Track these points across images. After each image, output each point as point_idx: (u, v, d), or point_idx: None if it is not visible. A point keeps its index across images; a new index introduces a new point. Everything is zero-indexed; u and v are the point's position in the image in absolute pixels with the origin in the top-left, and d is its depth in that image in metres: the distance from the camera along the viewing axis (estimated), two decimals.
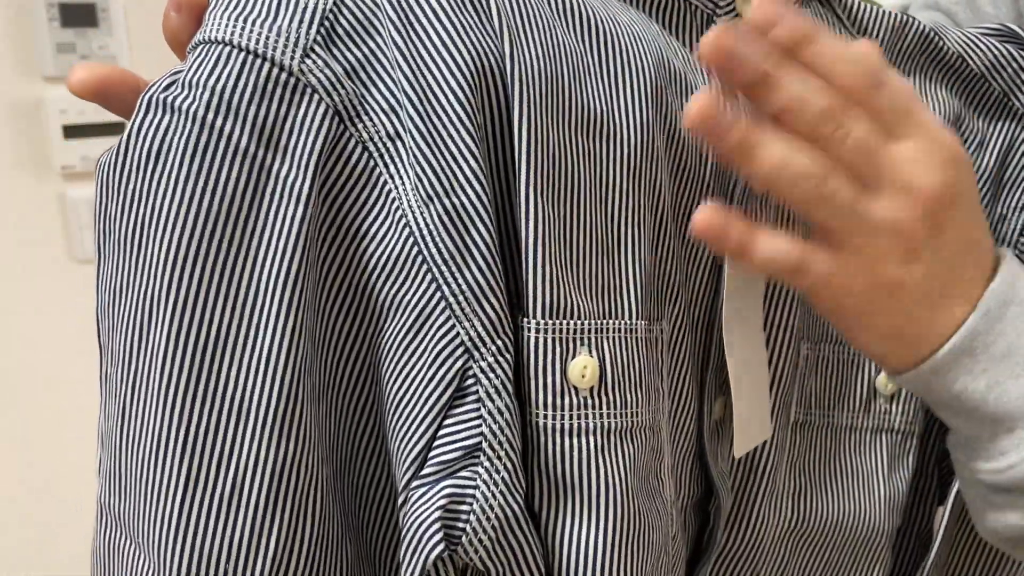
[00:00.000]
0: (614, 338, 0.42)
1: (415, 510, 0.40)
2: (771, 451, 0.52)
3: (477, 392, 0.39)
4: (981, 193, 0.55)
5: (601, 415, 0.41)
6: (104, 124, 1.67)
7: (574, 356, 0.41)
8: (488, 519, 0.39)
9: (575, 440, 0.41)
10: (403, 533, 0.40)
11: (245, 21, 0.38)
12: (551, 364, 0.41)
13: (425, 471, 0.40)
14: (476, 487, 0.39)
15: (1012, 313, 0.44)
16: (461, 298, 0.39)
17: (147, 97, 0.39)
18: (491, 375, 0.39)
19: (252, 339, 0.38)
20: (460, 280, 0.39)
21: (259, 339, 0.38)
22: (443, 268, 0.39)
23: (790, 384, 0.52)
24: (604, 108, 0.43)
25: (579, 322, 0.41)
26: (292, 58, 0.38)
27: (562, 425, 0.41)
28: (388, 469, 0.43)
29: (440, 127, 0.39)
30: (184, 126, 0.38)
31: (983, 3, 0.81)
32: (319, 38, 0.39)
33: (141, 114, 0.39)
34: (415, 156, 0.39)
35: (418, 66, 0.39)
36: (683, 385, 0.48)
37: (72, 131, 1.64)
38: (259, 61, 0.38)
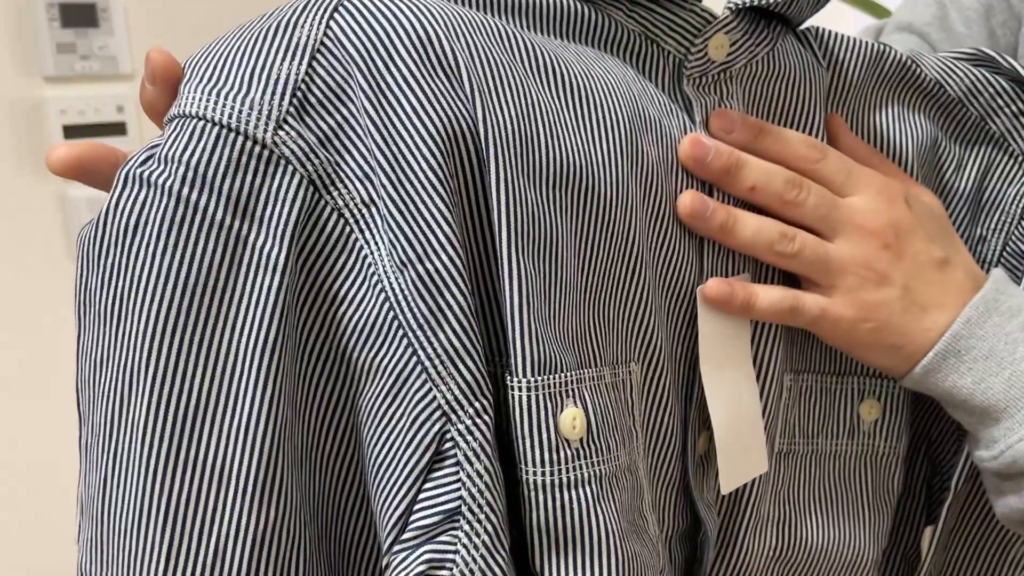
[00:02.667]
0: (591, 386, 0.43)
1: (396, 575, 0.40)
2: (756, 482, 0.53)
3: (455, 455, 0.40)
4: (959, 214, 0.59)
5: (592, 463, 0.42)
6: (104, 124, 1.67)
7: (563, 409, 0.42)
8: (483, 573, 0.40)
9: (573, 493, 0.41)
10: None
11: (218, 95, 0.39)
12: (543, 420, 0.41)
13: (406, 535, 0.40)
14: (456, 551, 0.39)
15: (993, 322, 0.52)
16: (436, 362, 0.40)
17: (124, 172, 0.40)
18: (469, 438, 0.40)
19: (232, 408, 0.39)
20: (435, 344, 0.40)
21: (238, 408, 0.39)
22: (418, 332, 0.40)
23: (775, 415, 0.53)
24: (581, 162, 0.44)
25: (563, 375, 0.42)
26: (265, 131, 0.39)
27: (560, 480, 0.41)
28: (373, 531, 0.43)
29: (412, 194, 0.40)
30: (160, 201, 0.38)
31: (955, 24, 0.82)
32: (291, 109, 0.39)
33: (119, 189, 0.39)
34: (388, 223, 0.40)
35: (389, 134, 0.40)
36: (665, 421, 0.49)
37: (72, 131, 1.65)
38: (232, 135, 0.39)
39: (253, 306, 0.39)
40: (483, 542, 0.40)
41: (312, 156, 0.40)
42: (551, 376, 0.41)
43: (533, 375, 0.41)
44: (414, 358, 0.40)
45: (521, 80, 0.43)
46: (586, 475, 0.42)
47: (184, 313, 0.38)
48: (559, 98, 0.44)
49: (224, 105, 0.39)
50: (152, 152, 0.40)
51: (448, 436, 0.40)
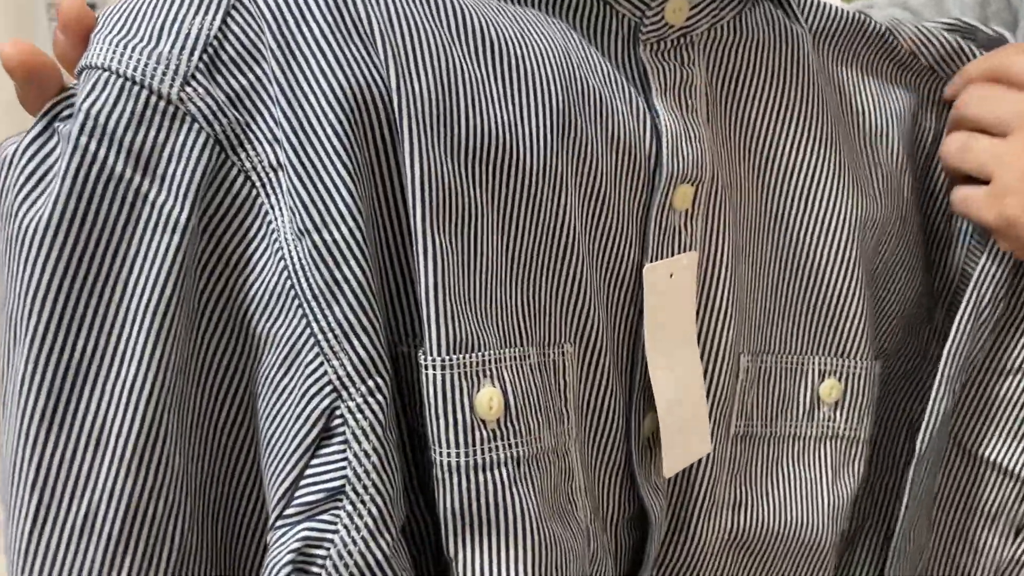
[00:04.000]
0: (512, 366, 0.42)
1: (273, 551, 0.39)
2: (710, 465, 0.52)
3: (344, 433, 0.39)
4: (941, 186, 0.59)
5: (510, 445, 0.41)
6: None
7: (479, 389, 0.41)
8: (346, 565, 0.39)
9: (488, 474, 0.41)
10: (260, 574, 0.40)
11: (126, 47, 0.38)
12: (458, 400, 0.40)
13: (288, 511, 0.39)
14: (336, 531, 0.39)
15: None
16: (330, 335, 0.39)
17: (43, 113, 0.39)
18: (359, 416, 0.39)
19: (116, 369, 0.38)
20: (329, 317, 0.39)
21: (123, 369, 0.38)
22: (312, 304, 0.39)
23: (730, 397, 0.52)
24: (505, 135, 0.42)
25: (481, 354, 0.41)
26: (171, 86, 0.38)
27: (474, 461, 0.41)
28: (266, 506, 0.42)
29: (315, 160, 0.39)
30: (63, 150, 0.38)
31: (951, 7, 0.82)
32: (201, 65, 0.39)
33: (32, 132, 0.39)
34: (290, 189, 0.39)
35: (295, 97, 0.39)
36: (606, 403, 0.48)
37: None
38: (137, 88, 0.38)
39: (149, 265, 0.38)
40: (365, 524, 0.39)
41: (220, 115, 0.39)
42: (467, 355, 0.41)
43: (448, 353, 0.40)
44: (308, 330, 0.39)
45: (443, 46, 0.41)
46: (502, 456, 0.41)
47: (75, 266, 0.37)
48: (484, 66, 0.42)
49: (131, 57, 0.38)
50: (70, 100, 0.39)
51: (337, 413, 0.39)
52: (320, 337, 0.39)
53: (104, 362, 0.38)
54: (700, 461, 0.52)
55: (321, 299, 0.39)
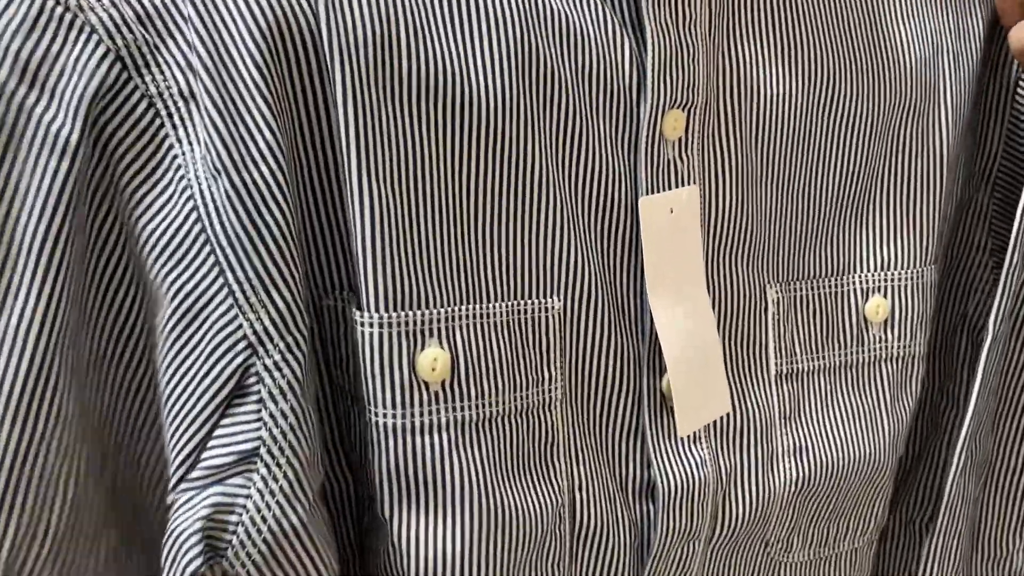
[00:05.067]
0: (468, 325, 0.39)
1: (178, 516, 0.36)
2: (757, 413, 0.48)
3: (259, 392, 0.36)
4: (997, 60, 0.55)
5: (454, 408, 0.39)
6: None
7: (422, 348, 0.38)
8: (260, 532, 0.36)
9: (426, 438, 0.39)
10: (163, 540, 0.36)
11: None
12: (396, 359, 0.38)
13: (194, 474, 0.37)
14: (248, 496, 0.36)
15: None
16: (247, 287, 0.36)
17: None
18: (276, 374, 0.36)
19: (2, 304, 0.34)
20: (247, 266, 0.36)
21: (9, 305, 0.34)
22: (228, 252, 0.36)
23: (759, 335, 0.48)
24: (454, 71, 0.38)
25: (427, 312, 0.38)
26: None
27: (412, 423, 0.38)
28: (165, 455, 0.39)
29: (233, 92, 0.35)
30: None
31: None
32: None
33: None
34: (207, 122, 0.35)
35: (213, 22, 0.35)
36: (610, 361, 0.44)
37: None
38: None
39: (36, 190, 0.34)
40: (280, 488, 0.36)
41: (125, 30, 0.35)
42: (409, 312, 0.38)
43: (387, 310, 0.38)
44: (220, 280, 0.36)
45: None
46: (444, 420, 0.39)
47: None
48: None
49: None
50: None
51: (253, 370, 0.36)
52: (235, 288, 0.36)
53: None
54: (746, 410, 0.48)
55: (238, 246, 0.36)
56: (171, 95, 0.36)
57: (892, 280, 0.51)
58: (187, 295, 0.36)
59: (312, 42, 0.37)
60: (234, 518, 0.36)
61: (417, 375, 0.38)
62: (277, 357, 0.36)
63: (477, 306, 0.40)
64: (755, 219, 0.47)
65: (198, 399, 0.37)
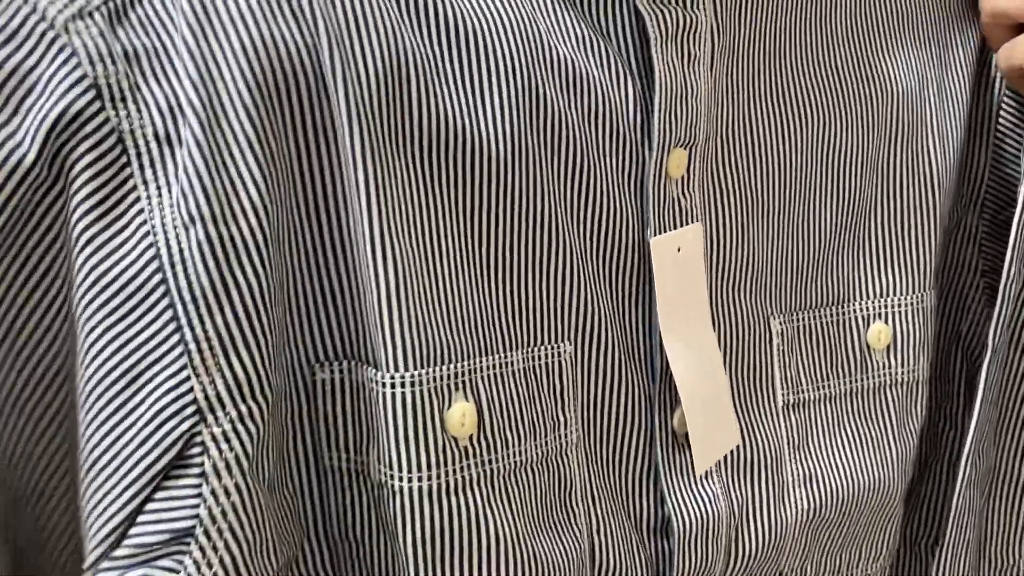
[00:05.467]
0: (491, 376, 0.39)
1: None
2: (767, 444, 0.48)
3: (202, 465, 0.33)
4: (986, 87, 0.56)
5: (484, 462, 0.38)
6: None
7: (450, 405, 0.37)
8: None
9: (462, 497, 0.37)
10: None
11: None
12: (428, 418, 0.36)
13: (118, 552, 0.33)
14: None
15: None
16: (205, 346, 0.33)
17: None
18: (224, 445, 0.33)
19: None
20: (209, 324, 0.33)
21: None
22: (190, 307, 0.33)
23: (764, 367, 0.49)
24: (462, 120, 0.38)
25: (452, 366, 0.37)
26: (60, 12, 0.33)
27: (447, 483, 0.37)
28: (76, 533, 0.36)
29: (222, 141, 0.34)
30: None
31: None
32: (105, 9, 0.34)
33: None
34: (189, 168, 0.33)
35: (208, 72, 0.34)
36: (624, 401, 0.44)
37: None
38: (19, 2, 0.33)
39: None
40: (214, 574, 0.33)
41: (108, 61, 0.33)
42: (436, 369, 0.37)
43: (415, 368, 0.36)
44: (175, 337, 0.33)
45: (390, 22, 0.36)
46: (475, 475, 0.38)
47: None
48: (438, 44, 0.38)
49: None
50: None
51: (198, 439, 0.33)
52: (192, 347, 0.33)
53: None
54: (755, 442, 0.48)
55: (202, 301, 0.33)
56: (143, 135, 0.34)
57: (892, 306, 0.51)
58: (132, 351, 0.34)
59: (318, 97, 0.36)
60: None
61: (447, 432, 0.37)
62: (227, 427, 0.34)
63: (498, 356, 0.39)
64: (755, 252, 0.48)
65: (132, 467, 0.33)
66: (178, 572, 0.33)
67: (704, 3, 0.43)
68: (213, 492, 0.33)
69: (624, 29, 0.42)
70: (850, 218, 0.50)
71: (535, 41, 0.40)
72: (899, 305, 0.52)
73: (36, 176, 0.33)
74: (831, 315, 0.50)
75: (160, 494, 0.33)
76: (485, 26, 0.39)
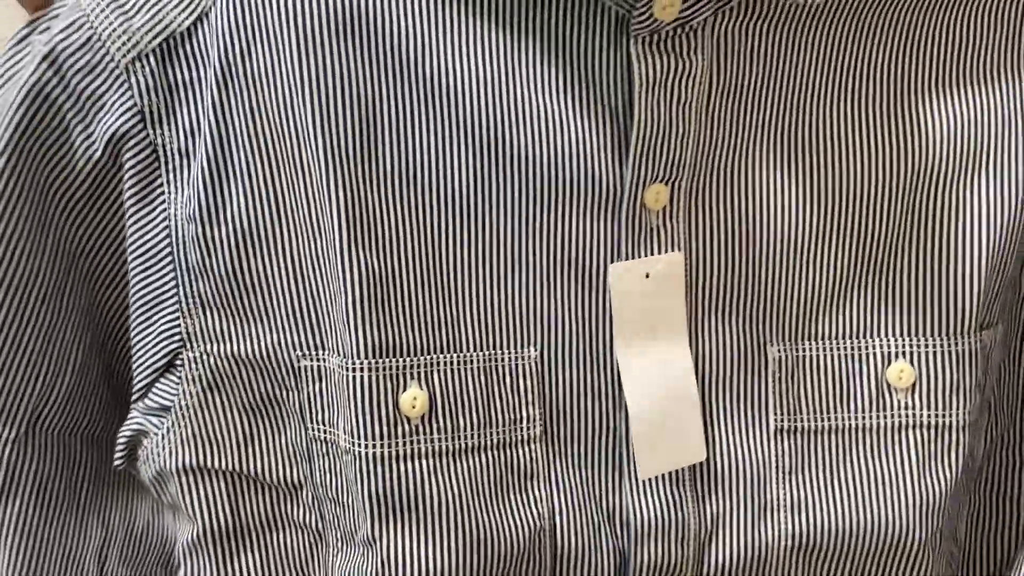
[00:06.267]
0: (445, 370, 0.47)
1: (127, 421, 0.50)
2: (751, 464, 0.50)
3: (181, 373, 0.49)
4: None
5: (432, 440, 0.46)
6: None
7: (405, 389, 0.46)
8: (153, 462, 0.49)
9: (408, 464, 0.46)
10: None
11: (110, 7, 0.46)
12: (381, 398, 0.46)
13: (139, 404, 0.50)
14: (157, 433, 0.49)
15: None
16: (189, 301, 0.48)
17: (27, 25, 0.48)
18: (193, 366, 0.49)
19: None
20: (191, 289, 0.48)
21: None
22: (184, 275, 0.48)
23: (749, 392, 0.50)
24: (430, 159, 0.46)
25: (408, 359, 0.46)
26: (125, 56, 0.46)
27: (395, 452, 0.46)
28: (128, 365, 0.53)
29: (224, 164, 0.47)
30: (27, 62, 0.47)
31: None
32: (158, 51, 0.46)
33: (15, 38, 0.48)
34: (197, 179, 0.47)
35: (223, 116, 0.47)
36: (585, 403, 0.49)
37: None
38: (99, 45, 0.46)
39: (68, 178, 0.48)
40: (173, 439, 0.49)
41: (153, 94, 0.47)
42: (392, 359, 0.46)
43: (373, 357, 0.45)
44: (174, 286, 0.48)
45: (367, 77, 0.45)
46: (424, 449, 0.46)
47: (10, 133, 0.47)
48: (410, 90, 0.45)
49: (108, 18, 0.46)
50: (52, 19, 0.47)
51: (180, 357, 0.49)
52: (181, 297, 0.48)
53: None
54: (738, 460, 0.50)
55: (187, 274, 0.48)
56: (171, 150, 0.47)
57: (918, 346, 0.50)
58: (153, 291, 0.49)
59: (297, 137, 0.46)
60: (145, 443, 0.50)
61: (400, 411, 0.46)
62: (197, 354, 0.48)
63: (456, 355, 0.47)
64: (751, 281, 0.49)
65: (149, 359, 0.49)
66: (159, 430, 0.49)
67: (701, 48, 0.45)
68: (184, 391, 0.49)
69: (614, 72, 0.45)
70: (873, 255, 0.50)
71: (508, 95, 0.45)
72: (926, 346, 0.50)
73: (104, 165, 0.48)
74: (844, 348, 0.50)
75: (160, 381, 0.49)
76: (461, 84, 0.45)
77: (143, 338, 0.50)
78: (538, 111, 0.45)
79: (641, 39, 0.44)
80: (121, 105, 0.46)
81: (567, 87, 0.45)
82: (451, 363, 0.47)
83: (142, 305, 0.49)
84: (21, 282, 0.49)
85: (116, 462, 0.51)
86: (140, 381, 0.50)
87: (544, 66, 0.45)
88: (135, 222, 0.48)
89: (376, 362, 0.45)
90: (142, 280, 0.49)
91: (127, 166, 0.47)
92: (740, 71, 0.47)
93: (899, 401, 0.50)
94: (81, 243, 0.50)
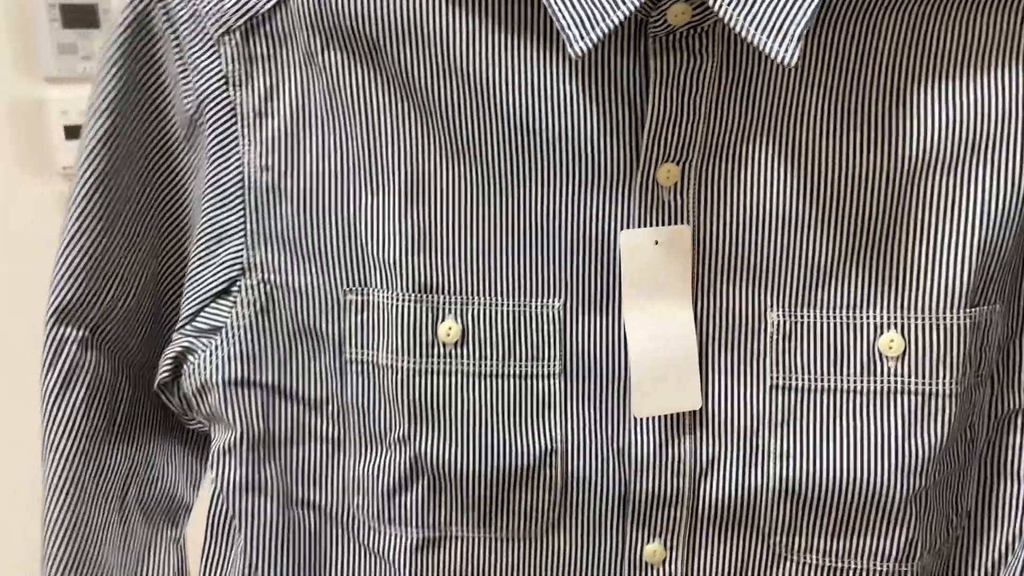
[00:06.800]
0: (478, 310, 0.55)
1: (172, 343, 0.59)
2: (746, 414, 0.55)
3: (236, 296, 0.58)
4: None
5: (463, 362, 0.56)
6: None
7: (443, 320, 0.55)
8: (199, 377, 0.58)
9: (440, 379, 0.56)
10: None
11: None
12: (422, 325, 0.55)
13: (188, 326, 0.59)
14: (204, 351, 0.58)
15: None
16: (252, 236, 0.57)
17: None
18: (248, 292, 0.58)
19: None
20: (256, 226, 0.57)
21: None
22: (252, 213, 0.57)
23: (748, 351, 0.55)
24: (474, 141, 0.54)
25: (448, 296, 0.55)
26: (217, 30, 0.56)
27: (430, 367, 0.55)
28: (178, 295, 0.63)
29: (298, 136, 0.56)
30: (142, 25, 0.57)
31: None
32: (243, 26, 0.55)
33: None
34: (271, 136, 0.56)
35: (300, 97, 0.57)
36: (602, 348, 0.56)
37: (73, 132, 1.64)
38: (200, 19, 0.56)
39: (165, 109, 0.59)
40: (220, 357, 0.58)
41: (236, 63, 0.56)
42: (432, 296, 0.55)
43: (417, 292, 0.55)
44: (241, 220, 0.57)
45: (423, 76, 0.53)
46: (454, 368, 0.56)
47: (117, 85, 0.57)
48: (458, 86, 0.53)
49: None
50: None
51: (238, 284, 0.58)
52: (248, 232, 0.57)
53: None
54: (735, 409, 0.56)
55: (257, 213, 0.57)
56: (246, 110, 0.56)
57: (909, 319, 0.54)
58: (222, 222, 0.58)
59: (368, 121, 0.55)
60: (192, 359, 0.58)
61: (437, 336, 0.55)
62: (253, 282, 0.58)
63: (488, 298, 0.55)
64: (755, 253, 0.54)
65: (207, 282, 0.58)
66: (207, 348, 0.58)
67: (712, 46, 0.50)
68: (236, 314, 0.58)
69: (633, 67, 0.52)
70: (871, 234, 0.54)
71: (541, 89, 0.52)
72: (918, 319, 0.54)
73: (192, 115, 0.57)
74: (841, 318, 0.54)
75: (214, 304, 0.58)
76: (502, 80, 0.52)
77: (204, 266, 0.58)
78: (566, 101, 0.52)
79: (657, 39, 0.50)
80: (212, 69, 0.56)
81: (591, 80, 0.52)
82: (484, 304, 0.55)
83: (209, 236, 0.58)
84: (118, 199, 0.58)
85: (161, 376, 0.59)
86: (190, 307, 0.59)
87: (571, 62, 0.51)
88: (212, 165, 0.57)
89: (420, 296, 0.55)
90: (213, 215, 0.58)
91: (209, 119, 0.57)
92: (750, 64, 0.52)
93: (889, 368, 0.54)
94: (161, 179, 0.59)
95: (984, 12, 0.52)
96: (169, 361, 0.59)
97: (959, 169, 0.52)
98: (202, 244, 0.58)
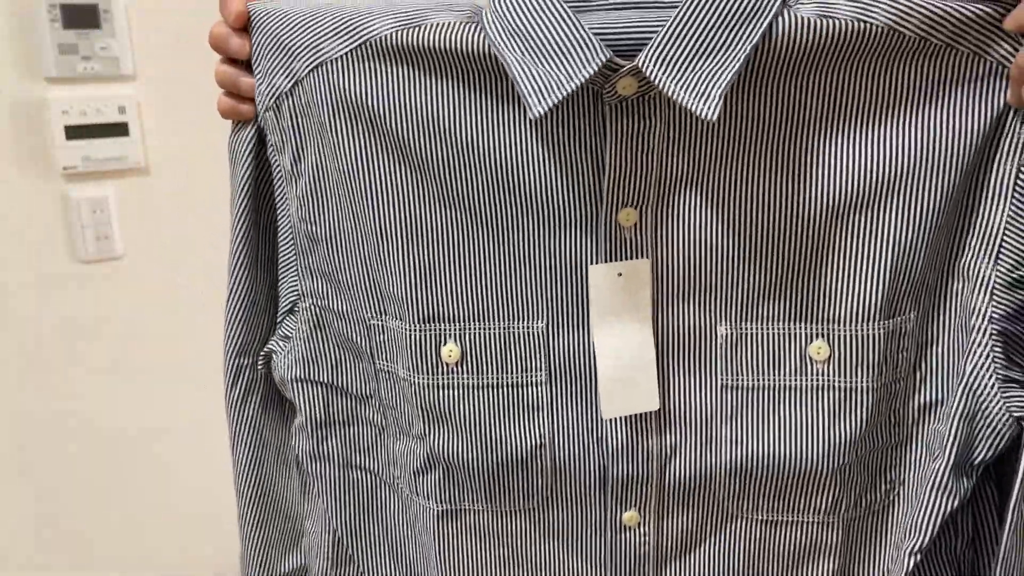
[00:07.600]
0: (474, 333, 0.67)
1: (265, 345, 0.75)
2: (701, 410, 0.67)
3: (298, 314, 0.73)
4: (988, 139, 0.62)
5: (463, 378, 0.67)
6: (106, 125, 1.67)
7: (444, 344, 0.67)
8: (275, 369, 0.75)
9: (445, 392, 0.68)
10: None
11: (260, 82, 0.68)
12: (427, 349, 0.67)
13: (275, 333, 0.75)
14: (283, 352, 0.74)
15: None
16: (303, 271, 0.72)
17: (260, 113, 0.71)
18: (305, 313, 0.73)
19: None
20: (303, 264, 0.72)
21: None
22: (301, 254, 0.72)
23: (700, 359, 0.66)
24: (465, 197, 0.65)
25: (448, 324, 0.67)
26: (262, 107, 0.69)
27: (436, 382, 0.68)
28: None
29: (322, 182, 0.69)
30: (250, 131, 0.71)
31: None
32: (273, 104, 0.68)
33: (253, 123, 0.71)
34: (302, 194, 0.70)
35: (318, 153, 0.69)
36: (579, 360, 0.67)
37: (74, 132, 1.64)
38: (260, 98, 0.69)
39: (239, 180, 0.72)
40: (288, 358, 0.74)
41: (273, 133, 0.69)
42: (437, 324, 0.67)
43: (423, 323, 0.67)
44: (295, 257, 0.72)
45: (417, 147, 0.64)
46: (455, 382, 0.67)
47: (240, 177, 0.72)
48: (446, 151, 0.64)
49: (262, 84, 0.68)
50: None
51: (299, 305, 0.73)
52: (299, 266, 0.72)
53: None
54: (691, 406, 0.67)
55: (302, 253, 0.72)
56: (285, 172, 0.70)
57: (834, 330, 0.64)
58: (287, 258, 0.72)
59: (373, 183, 0.67)
60: (275, 358, 0.74)
61: (440, 358, 0.67)
62: (307, 305, 0.73)
63: (483, 323, 0.66)
64: (705, 278, 0.64)
65: (283, 304, 0.74)
66: (284, 349, 0.74)
67: (659, 110, 0.59)
68: (298, 329, 0.74)
69: (593, 128, 0.61)
70: (802, 261, 0.63)
71: (517, 149, 0.62)
72: (840, 330, 0.64)
73: (248, 182, 0.71)
74: (778, 329, 0.65)
75: (287, 319, 0.73)
76: (485, 145, 0.62)
77: (281, 290, 0.73)
78: (538, 158, 0.62)
79: (611, 105, 0.60)
80: (257, 138, 0.70)
81: (558, 140, 0.61)
82: (479, 329, 0.67)
83: (282, 269, 0.73)
84: (257, 257, 0.73)
85: (258, 366, 0.75)
86: (277, 319, 0.74)
87: (542, 125, 0.61)
88: (280, 216, 0.72)
89: (424, 326, 0.67)
90: (283, 253, 0.72)
91: (263, 179, 0.71)
92: (691, 123, 0.61)
93: (817, 369, 0.65)
94: (269, 224, 0.73)
95: (891, 71, 0.59)
96: (263, 356, 0.75)
97: (873, 205, 0.61)
98: (280, 274, 0.74)
